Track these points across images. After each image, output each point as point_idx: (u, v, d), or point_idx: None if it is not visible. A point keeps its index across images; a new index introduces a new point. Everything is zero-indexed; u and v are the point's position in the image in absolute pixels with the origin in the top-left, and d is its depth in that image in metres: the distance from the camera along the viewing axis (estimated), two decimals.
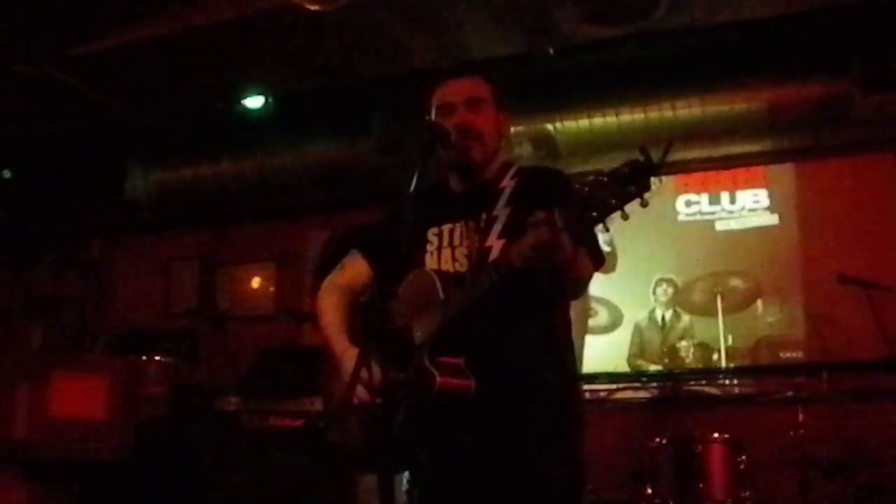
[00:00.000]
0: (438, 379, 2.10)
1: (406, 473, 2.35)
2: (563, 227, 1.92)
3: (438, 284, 2.20)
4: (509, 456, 2.21)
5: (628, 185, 1.84)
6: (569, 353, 2.41)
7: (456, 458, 2.25)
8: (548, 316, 2.36)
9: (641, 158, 1.84)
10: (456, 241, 2.38)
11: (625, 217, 1.88)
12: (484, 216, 2.35)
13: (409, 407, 2.14)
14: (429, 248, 2.40)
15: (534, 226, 1.97)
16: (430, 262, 2.38)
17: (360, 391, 2.16)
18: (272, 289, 7.49)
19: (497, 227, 2.31)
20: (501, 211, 2.34)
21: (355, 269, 2.55)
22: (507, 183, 2.40)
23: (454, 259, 2.36)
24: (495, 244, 2.28)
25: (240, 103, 6.38)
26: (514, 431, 2.22)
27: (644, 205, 1.85)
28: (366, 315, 2.28)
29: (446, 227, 2.40)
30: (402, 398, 2.14)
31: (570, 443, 2.30)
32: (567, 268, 2.10)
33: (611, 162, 1.86)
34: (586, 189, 1.88)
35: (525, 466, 2.21)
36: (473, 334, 2.17)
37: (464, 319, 2.15)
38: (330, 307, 2.51)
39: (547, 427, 2.24)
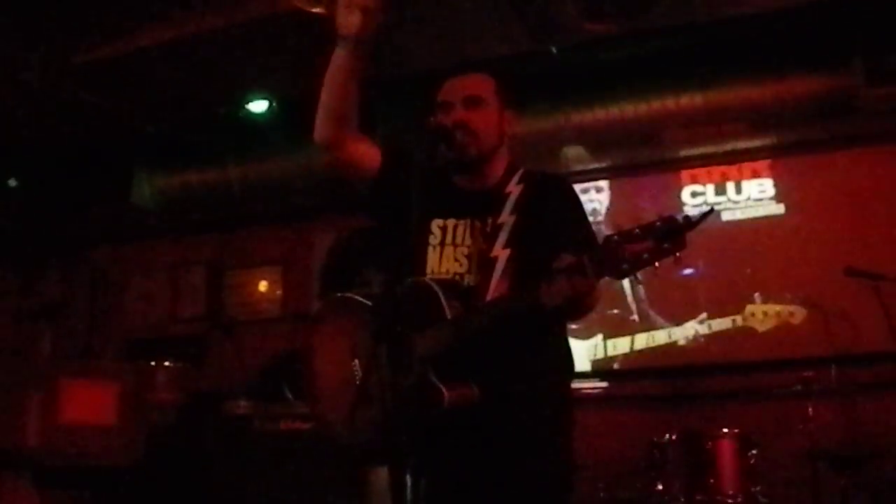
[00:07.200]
0: (447, 395, 2.12)
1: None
2: (593, 275, 1.96)
3: (442, 299, 2.21)
4: (511, 455, 2.25)
5: (663, 241, 1.86)
6: (567, 358, 2.45)
7: (459, 460, 2.28)
8: (553, 334, 2.40)
9: (680, 219, 1.85)
10: (458, 240, 2.40)
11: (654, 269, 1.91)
12: (490, 221, 2.38)
13: (416, 414, 2.15)
14: (432, 240, 2.42)
15: (567, 273, 1.99)
16: (432, 257, 2.40)
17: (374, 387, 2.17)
18: (279, 292, 7.51)
19: (503, 236, 2.34)
20: (507, 218, 2.37)
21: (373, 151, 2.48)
22: (513, 188, 2.42)
23: (455, 259, 2.38)
24: (501, 254, 2.32)
25: (244, 108, 6.40)
26: (516, 433, 2.27)
27: (677, 262, 1.88)
28: (375, 315, 2.28)
29: (450, 223, 2.42)
30: (409, 403, 2.15)
31: (566, 441, 2.36)
32: (585, 304, 2.20)
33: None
34: (618, 239, 1.91)
35: (525, 465, 2.25)
36: (480, 352, 2.18)
37: (471, 339, 2.17)
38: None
39: (547, 428, 2.30)
